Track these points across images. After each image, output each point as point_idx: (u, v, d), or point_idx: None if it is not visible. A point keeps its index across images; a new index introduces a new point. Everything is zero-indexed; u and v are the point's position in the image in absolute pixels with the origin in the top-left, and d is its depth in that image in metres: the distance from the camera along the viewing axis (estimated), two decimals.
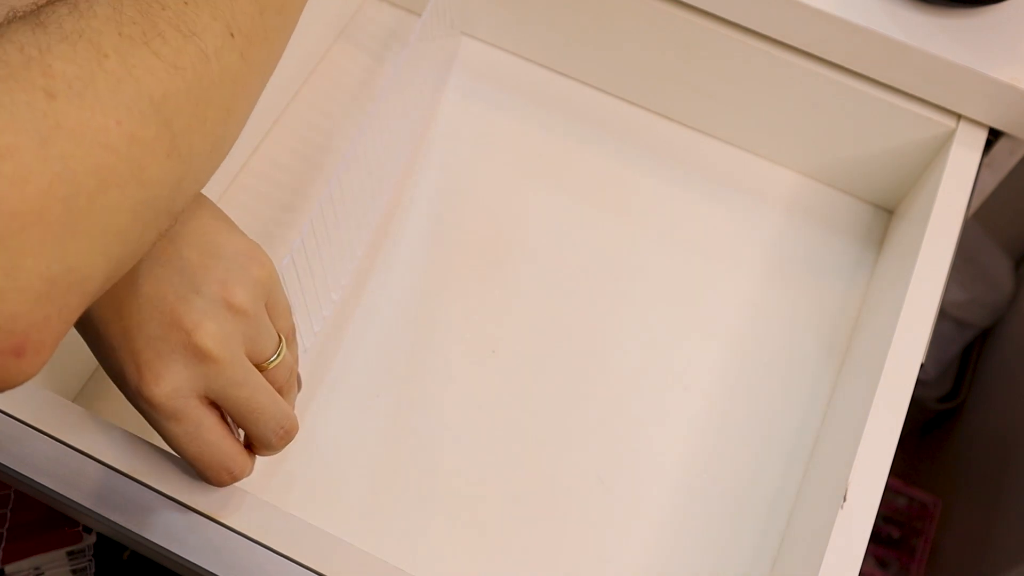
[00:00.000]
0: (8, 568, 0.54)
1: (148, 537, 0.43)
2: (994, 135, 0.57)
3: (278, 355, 0.40)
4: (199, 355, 0.37)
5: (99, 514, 0.43)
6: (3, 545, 0.54)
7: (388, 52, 0.66)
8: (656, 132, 0.65)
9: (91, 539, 0.54)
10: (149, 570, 0.53)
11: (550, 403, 0.56)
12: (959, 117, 0.57)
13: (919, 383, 0.49)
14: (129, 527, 0.43)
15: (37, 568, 0.54)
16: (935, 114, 0.57)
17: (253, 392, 0.39)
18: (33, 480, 0.44)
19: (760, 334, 0.59)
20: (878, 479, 0.46)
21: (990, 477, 1.00)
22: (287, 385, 0.42)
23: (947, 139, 0.57)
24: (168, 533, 0.43)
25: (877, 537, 1.09)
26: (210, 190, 0.42)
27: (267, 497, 0.51)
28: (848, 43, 0.56)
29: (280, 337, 0.41)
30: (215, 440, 0.39)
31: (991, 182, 0.61)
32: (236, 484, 0.43)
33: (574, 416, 0.56)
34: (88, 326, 0.38)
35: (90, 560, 0.55)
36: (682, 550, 0.53)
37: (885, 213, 0.64)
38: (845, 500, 0.46)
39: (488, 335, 0.58)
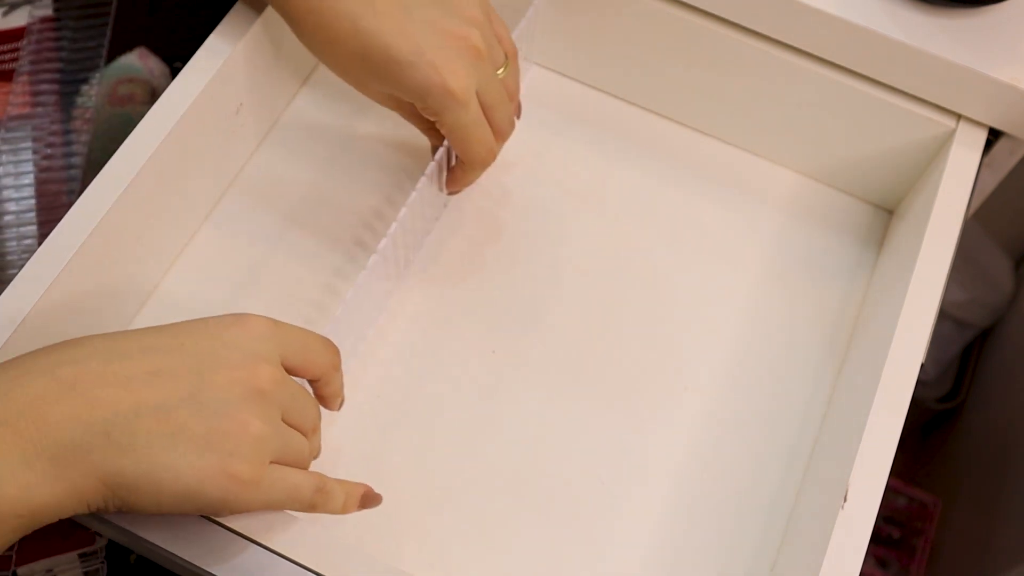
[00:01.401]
0: (21, 570, 0.54)
1: (149, 539, 0.43)
2: (994, 135, 0.57)
3: (505, 66, 0.52)
4: (474, 53, 0.48)
5: (107, 519, 0.43)
6: (16, 547, 0.54)
7: None
8: (655, 132, 0.65)
9: (103, 541, 0.54)
10: (157, 572, 0.53)
11: (550, 403, 0.56)
12: (959, 117, 0.57)
13: (919, 383, 0.49)
14: (132, 529, 0.43)
15: (50, 570, 0.54)
16: (935, 114, 0.57)
17: (493, 87, 0.51)
18: None
19: (760, 334, 0.59)
20: (878, 479, 0.46)
21: (990, 477, 1.00)
22: (512, 95, 0.53)
23: (947, 139, 0.57)
24: (169, 536, 0.43)
25: (877, 537, 1.09)
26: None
27: None
28: (848, 43, 0.56)
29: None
30: (486, 126, 0.51)
31: (991, 182, 0.61)
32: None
33: (574, 416, 0.56)
34: (377, 55, 0.47)
35: (102, 563, 0.55)
36: (682, 550, 0.53)
37: (885, 213, 0.64)
38: (845, 500, 0.46)
39: (488, 335, 0.58)
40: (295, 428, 0.42)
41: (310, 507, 0.42)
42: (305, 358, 0.43)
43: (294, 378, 0.43)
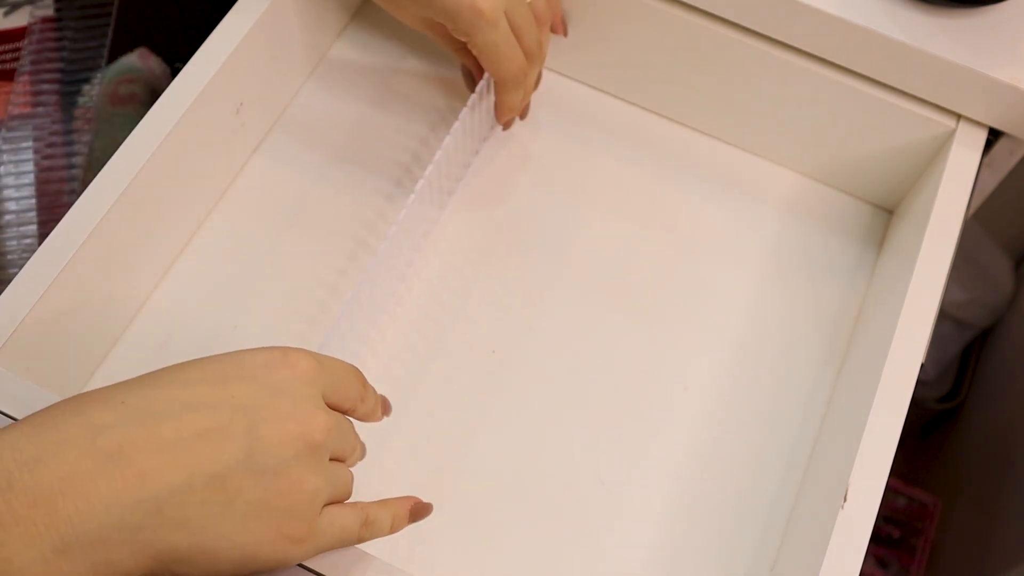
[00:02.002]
0: None
1: None
2: (994, 135, 0.57)
3: None
4: None
5: None
6: None
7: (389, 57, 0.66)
8: (655, 132, 0.65)
9: None
10: None
11: (550, 403, 0.56)
12: (959, 117, 0.57)
13: (919, 383, 0.49)
14: None
15: None
16: (935, 114, 0.57)
17: (521, 10, 0.53)
18: None
19: (760, 334, 0.59)
20: (878, 479, 0.46)
21: (990, 477, 1.00)
22: (542, 19, 0.56)
23: (947, 139, 0.57)
24: None
25: (877, 537, 1.09)
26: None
27: None
28: (848, 43, 0.56)
29: None
30: (515, 44, 0.53)
31: (991, 182, 0.61)
32: None
33: (574, 416, 0.56)
34: None
35: None
36: (682, 550, 0.53)
37: (885, 213, 0.64)
38: (845, 500, 0.46)
39: (488, 335, 0.58)
40: (339, 459, 0.41)
41: (359, 541, 0.41)
42: (343, 394, 0.41)
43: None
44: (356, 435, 0.43)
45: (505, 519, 0.53)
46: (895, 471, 0.49)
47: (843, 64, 0.57)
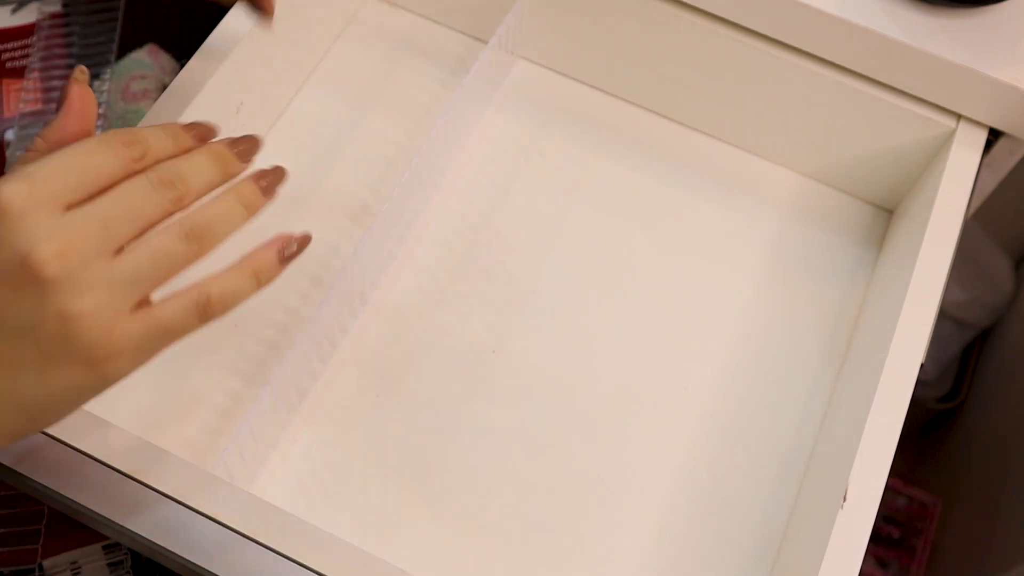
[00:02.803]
0: (46, 563, 0.55)
1: (148, 537, 0.43)
2: (994, 135, 0.57)
3: None
4: None
5: (99, 513, 0.44)
6: (41, 540, 0.55)
7: (398, 54, 0.66)
8: (655, 132, 0.65)
9: None
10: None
11: (549, 403, 0.56)
12: (959, 117, 0.57)
13: (919, 383, 0.49)
14: (129, 527, 0.43)
15: (74, 563, 0.55)
16: (935, 114, 0.57)
17: None
18: (34, 481, 0.44)
19: (760, 334, 0.59)
20: (878, 479, 0.46)
21: (990, 477, 1.00)
22: None
23: (947, 139, 0.57)
24: (168, 532, 0.43)
25: (877, 537, 1.09)
26: None
27: (267, 497, 0.51)
28: (848, 43, 0.56)
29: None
30: None
31: (991, 182, 0.61)
32: (232, 484, 0.44)
33: (574, 415, 0.56)
34: None
35: (126, 554, 0.55)
36: (682, 549, 0.53)
37: (885, 213, 0.64)
38: (845, 500, 0.46)
39: (488, 334, 0.58)
40: (131, 237, 0.36)
41: (204, 322, 0.38)
42: (94, 176, 0.36)
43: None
44: (144, 190, 0.37)
45: (504, 518, 0.53)
46: (895, 471, 0.49)
47: (843, 64, 0.57)
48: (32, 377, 0.35)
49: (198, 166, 0.39)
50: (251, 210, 0.39)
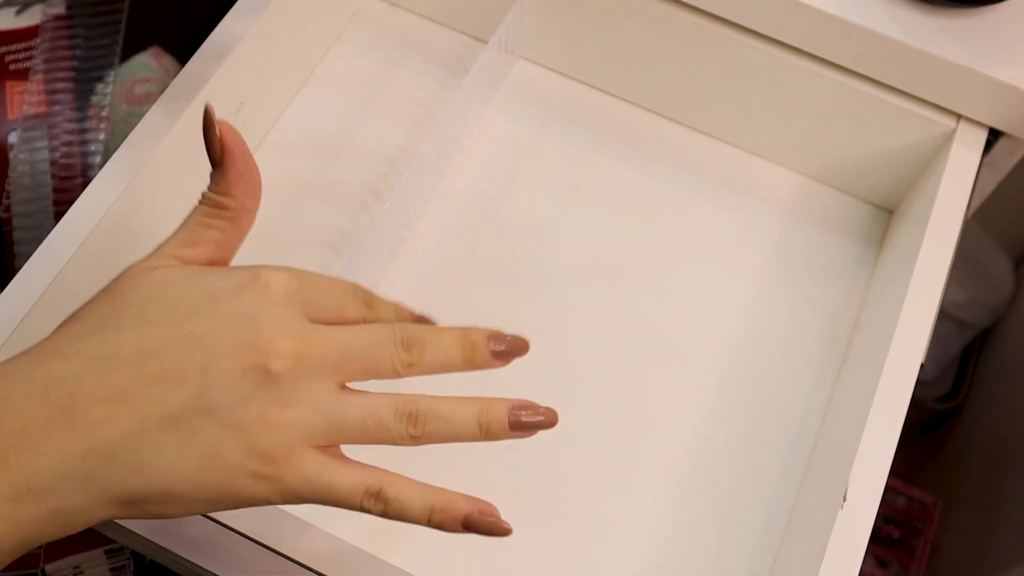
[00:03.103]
0: (48, 567, 0.55)
1: (147, 536, 0.43)
2: (994, 135, 0.57)
3: None
4: None
5: None
6: (43, 545, 0.55)
7: (398, 54, 0.66)
8: (655, 132, 0.65)
9: None
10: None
11: (550, 401, 0.56)
12: (959, 117, 0.57)
13: (919, 383, 0.49)
14: (129, 526, 0.43)
15: (77, 567, 0.55)
16: (935, 114, 0.57)
17: None
18: None
19: (760, 334, 0.59)
20: (878, 479, 0.46)
21: (990, 477, 1.00)
22: None
23: (947, 139, 0.57)
24: (168, 532, 0.43)
25: (877, 537, 1.09)
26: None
27: None
28: (848, 43, 0.56)
29: None
30: None
31: (991, 182, 0.61)
32: None
33: (574, 415, 0.56)
34: None
35: (128, 559, 0.55)
36: (682, 549, 0.53)
37: (885, 213, 0.64)
38: (845, 500, 0.46)
39: None
40: (354, 378, 0.36)
41: (363, 509, 0.36)
42: (334, 311, 0.37)
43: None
44: (389, 350, 0.37)
45: (504, 516, 0.53)
46: (895, 471, 0.49)
47: (843, 64, 0.57)
48: (193, 465, 0.34)
49: (444, 341, 0.38)
50: (431, 521, 0.37)
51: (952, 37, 0.55)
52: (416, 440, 0.37)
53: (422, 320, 0.40)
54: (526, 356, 0.57)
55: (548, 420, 0.39)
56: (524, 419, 0.39)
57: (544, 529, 0.53)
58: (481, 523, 0.38)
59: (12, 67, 0.69)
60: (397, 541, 0.52)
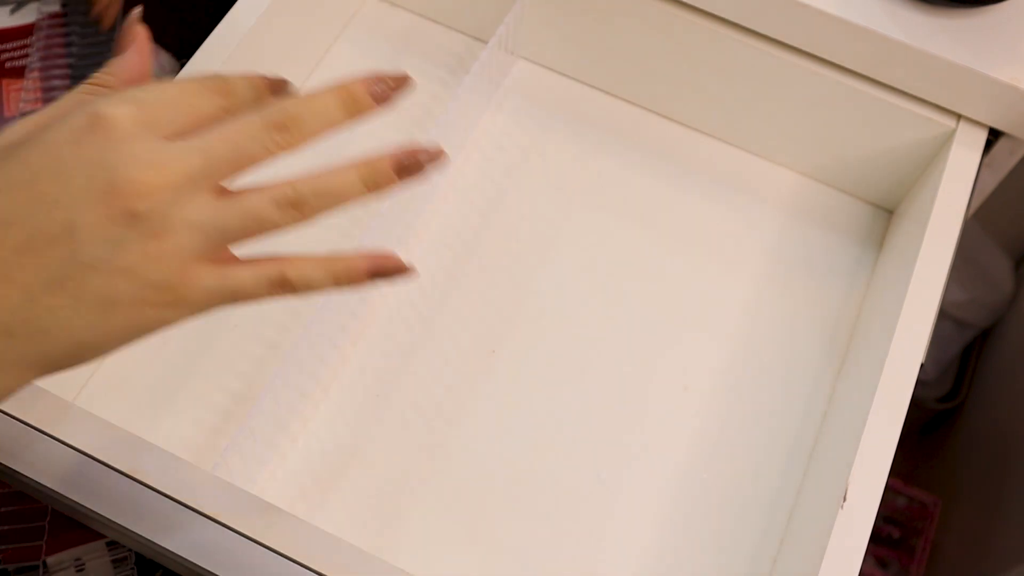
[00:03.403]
0: (50, 560, 0.55)
1: (148, 537, 0.43)
2: (994, 135, 0.57)
3: None
4: None
5: (99, 513, 0.44)
6: (45, 537, 0.55)
7: (398, 55, 0.66)
8: (655, 132, 0.65)
9: None
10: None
11: (550, 402, 0.56)
12: (959, 117, 0.57)
13: (919, 383, 0.49)
14: (129, 527, 0.43)
15: (78, 559, 0.55)
16: (935, 114, 0.57)
17: None
18: (34, 480, 0.44)
19: (760, 334, 0.59)
20: (878, 479, 0.46)
21: (990, 477, 1.00)
22: None
23: (947, 139, 0.57)
24: (168, 532, 0.43)
25: (877, 537, 1.09)
26: None
27: (267, 497, 0.51)
28: (848, 43, 0.56)
29: None
30: None
31: (991, 182, 0.61)
32: (232, 484, 0.44)
33: (574, 415, 0.56)
34: None
35: (130, 551, 0.55)
36: (682, 550, 0.53)
37: (885, 213, 0.64)
38: (845, 500, 0.46)
39: (487, 334, 0.58)
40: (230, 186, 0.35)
41: (272, 297, 0.36)
42: (192, 115, 0.35)
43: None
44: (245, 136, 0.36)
45: (504, 517, 0.53)
46: (895, 471, 0.49)
47: (843, 64, 0.57)
48: (92, 315, 0.34)
49: (318, 106, 0.37)
50: (338, 283, 0.37)
51: (952, 37, 0.55)
52: (304, 218, 0.36)
53: (280, 87, 0.39)
54: (528, 358, 0.57)
55: (434, 154, 0.38)
56: (407, 162, 0.38)
57: (543, 529, 0.53)
58: (384, 269, 0.38)
59: (8, 65, 0.69)
60: (395, 539, 0.52)
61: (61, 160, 0.33)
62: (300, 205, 0.36)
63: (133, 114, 0.34)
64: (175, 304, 0.35)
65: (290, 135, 0.36)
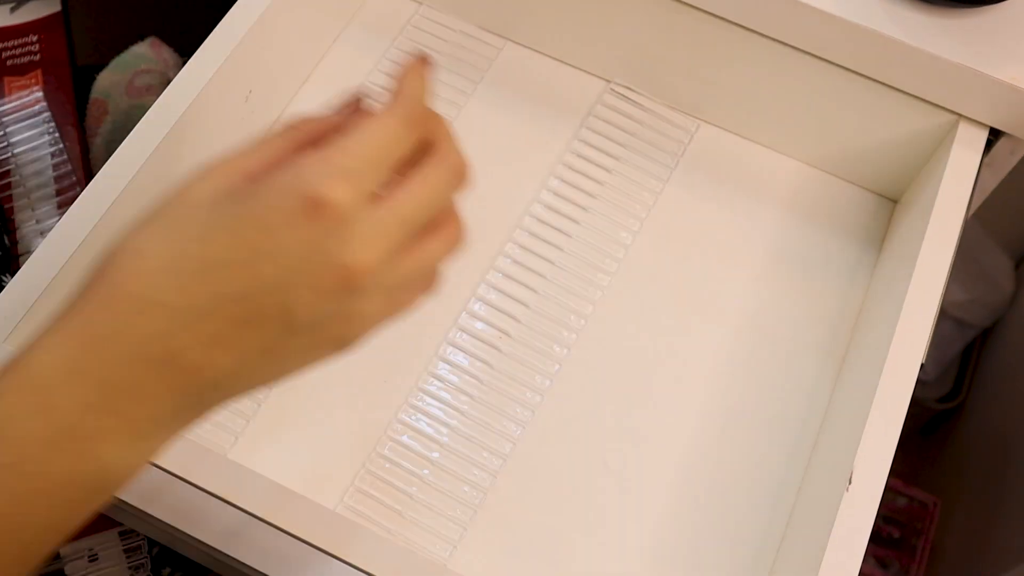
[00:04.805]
0: (63, 550, 0.55)
1: (164, 520, 0.43)
2: (994, 135, 0.57)
3: None
4: None
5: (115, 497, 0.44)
6: None
7: (395, 47, 0.66)
8: (658, 122, 0.65)
9: None
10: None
11: (552, 399, 0.56)
12: (959, 117, 0.57)
13: (919, 383, 0.49)
14: (146, 510, 0.43)
15: (91, 549, 0.55)
16: (935, 114, 0.57)
17: None
18: None
19: (761, 331, 0.59)
20: (878, 479, 0.47)
21: (990, 477, 1.00)
22: None
23: (949, 131, 0.57)
24: (184, 515, 0.43)
25: (877, 537, 1.09)
26: None
27: (283, 481, 0.51)
28: (848, 43, 0.56)
29: None
30: None
31: (991, 182, 0.61)
32: (243, 466, 0.45)
33: (577, 411, 0.56)
34: None
35: (143, 540, 0.55)
36: (682, 548, 0.53)
37: (889, 203, 0.64)
38: (850, 483, 0.46)
39: (492, 327, 0.58)
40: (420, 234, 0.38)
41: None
42: (392, 167, 0.37)
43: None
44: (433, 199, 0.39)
45: (508, 510, 0.53)
46: (895, 471, 0.49)
47: (843, 64, 0.57)
48: (289, 364, 0.37)
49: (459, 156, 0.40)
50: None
51: (952, 37, 0.55)
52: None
53: (427, 60, 0.40)
54: (528, 358, 0.57)
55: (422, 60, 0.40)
56: (417, 69, 0.39)
57: (544, 527, 0.53)
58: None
59: (10, 63, 0.69)
60: (398, 539, 0.52)
61: (279, 244, 0.35)
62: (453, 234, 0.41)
63: (347, 195, 0.35)
64: (346, 350, 0.38)
65: (464, 183, 0.40)
